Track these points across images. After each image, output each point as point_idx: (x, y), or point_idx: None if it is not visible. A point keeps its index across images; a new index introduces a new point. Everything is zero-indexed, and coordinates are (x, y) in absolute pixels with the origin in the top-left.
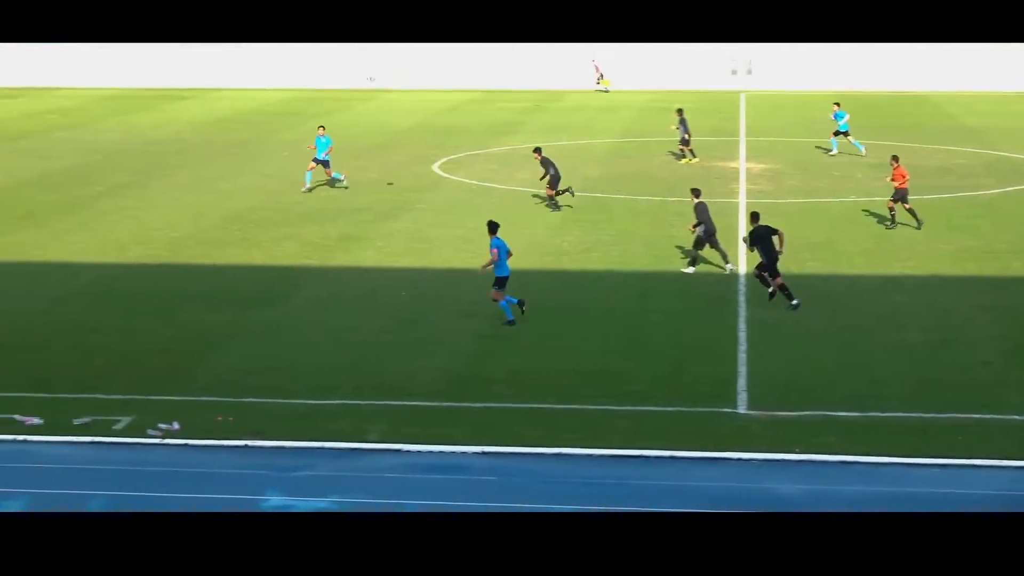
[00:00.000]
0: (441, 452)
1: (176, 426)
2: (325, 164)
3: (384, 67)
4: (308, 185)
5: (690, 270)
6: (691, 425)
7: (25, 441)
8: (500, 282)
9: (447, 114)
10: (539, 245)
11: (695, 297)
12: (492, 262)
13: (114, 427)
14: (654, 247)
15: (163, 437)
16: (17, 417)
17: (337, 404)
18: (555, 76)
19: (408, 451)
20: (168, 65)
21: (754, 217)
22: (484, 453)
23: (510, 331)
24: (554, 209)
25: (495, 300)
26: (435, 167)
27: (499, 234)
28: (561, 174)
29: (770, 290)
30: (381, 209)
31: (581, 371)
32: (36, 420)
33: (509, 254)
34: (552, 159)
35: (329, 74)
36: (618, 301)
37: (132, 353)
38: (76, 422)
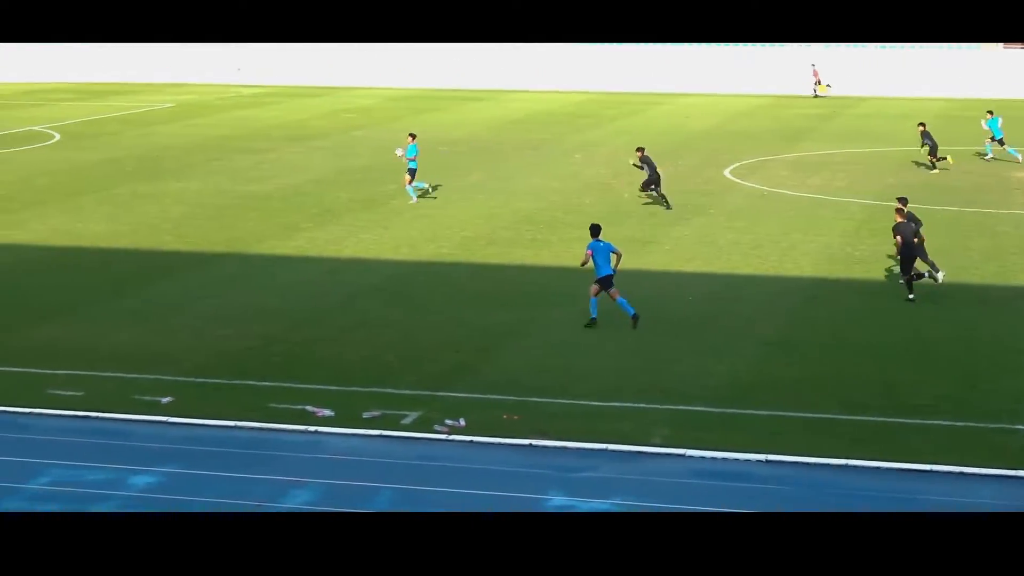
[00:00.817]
0: (724, 459)
1: (462, 423)
2: (412, 173)
3: (680, 71)
4: (415, 199)
5: (940, 275)
6: (982, 441)
7: (316, 432)
8: (600, 281)
9: (740, 118)
10: (832, 253)
11: (991, 308)
12: (584, 263)
13: (402, 421)
14: (951, 257)
15: (450, 433)
16: (310, 408)
17: (621, 406)
18: (851, 80)
19: (691, 456)
20: (463, 68)
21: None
22: (767, 461)
23: (797, 338)
24: (664, 206)
25: (613, 298)
26: (727, 172)
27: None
28: (660, 175)
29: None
30: (671, 213)
31: (867, 382)
32: (327, 412)
33: (617, 256)
34: (653, 160)
35: (623, 77)
36: (908, 311)
37: (421, 349)
38: (366, 415)
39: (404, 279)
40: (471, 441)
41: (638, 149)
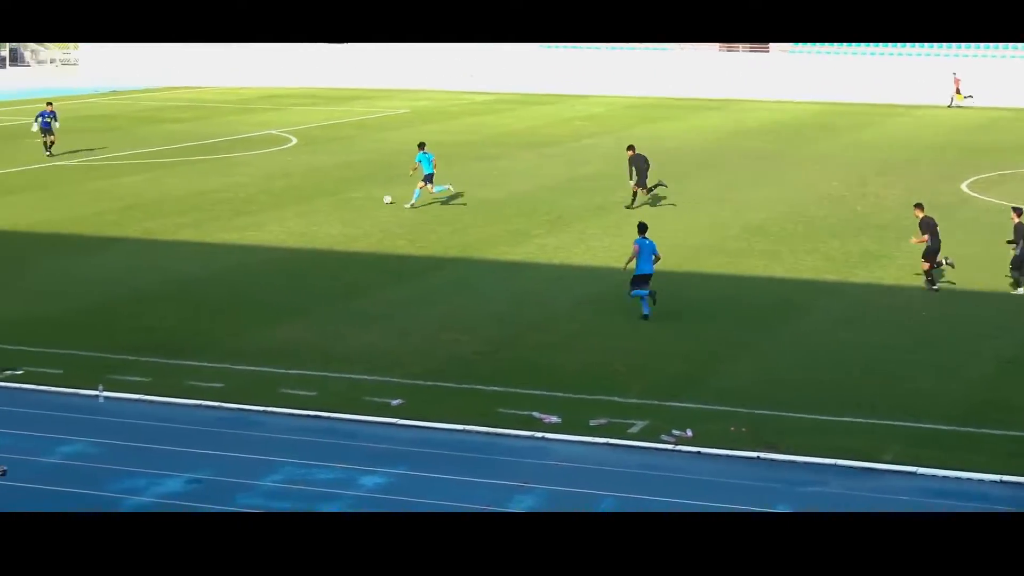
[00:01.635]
0: (957, 478)
1: (689, 433)
2: (429, 179)
3: (920, 80)
4: (413, 202)
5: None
6: None
7: (543, 438)
8: (637, 280)
9: (980, 131)
10: None
11: None
12: (630, 260)
13: (629, 430)
14: None
15: (676, 444)
16: (537, 415)
17: (852, 421)
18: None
19: (922, 475)
20: (697, 76)
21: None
22: (1003, 482)
23: None
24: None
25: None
26: (963, 186)
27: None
28: (645, 175)
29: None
30: (904, 226)
31: None
32: (554, 418)
33: (656, 257)
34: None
35: (860, 87)
36: None
37: (649, 358)
38: (592, 423)
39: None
40: (698, 452)
41: (629, 147)
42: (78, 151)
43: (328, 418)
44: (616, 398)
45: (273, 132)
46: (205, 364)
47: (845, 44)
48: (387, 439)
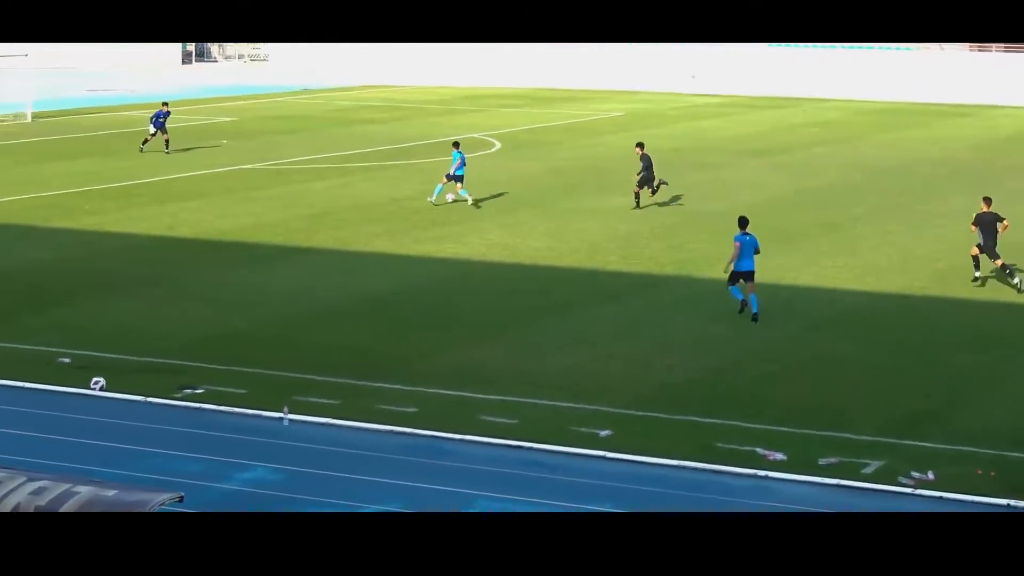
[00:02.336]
0: None
1: (931, 476)
2: (458, 180)
3: None
4: (433, 198)
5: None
6: None
7: (767, 477)
8: (734, 276)
9: None
10: None
11: None
12: (733, 258)
13: (863, 471)
14: None
15: (916, 487)
16: (760, 451)
17: None
18: None
19: None
20: (943, 78)
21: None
22: None
23: None
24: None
25: (747, 293)
26: None
27: None
28: (654, 176)
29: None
30: None
31: None
32: (779, 455)
33: (756, 251)
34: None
35: None
36: None
37: (886, 391)
38: (822, 462)
39: (869, 312)
40: (940, 497)
41: (638, 145)
42: (265, 154)
43: (529, 448)
44: (849, 435)
45: (476, 135)
46: (397, 386)
47: None
48: (594, 473)
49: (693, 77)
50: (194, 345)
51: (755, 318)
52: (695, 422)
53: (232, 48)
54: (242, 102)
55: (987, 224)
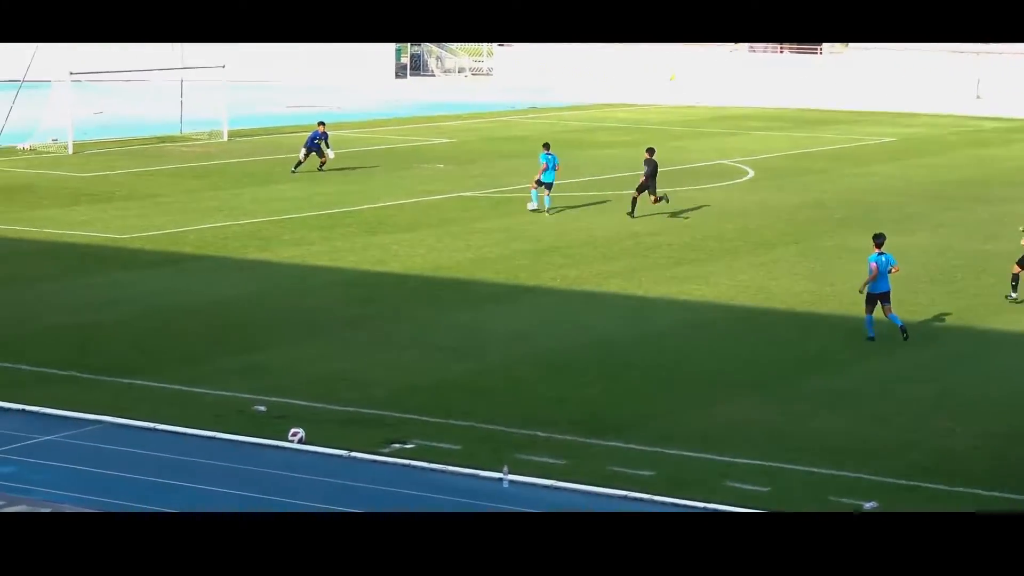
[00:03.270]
0: None
1: None
2: (547, 187)
3: None
4: (534, 205)
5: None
6: None
7: None
8: (872, 298)
9: None
10: None
11: None
12: (870, 279)
13: None
14: None
15: None
16: None
17: None
18: None
19: None
20: None
21: None
22: None
23: None
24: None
25: (885, 314)
26: None
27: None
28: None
29: None
30: None
31: None
32: None
33: (891, 269)
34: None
35: None
36: None
37: None
38: None
39: None
40: None
41: (648, 150)
42: (485, 180)
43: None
44: None
45: (726, 162)
46: (631, 446)
47: None
48: None
49: (978, 97)
50: (404, 394)
51: (905, 332)
52: (978, 495)
53: (451, 61)
54: (461, 122)
55: None
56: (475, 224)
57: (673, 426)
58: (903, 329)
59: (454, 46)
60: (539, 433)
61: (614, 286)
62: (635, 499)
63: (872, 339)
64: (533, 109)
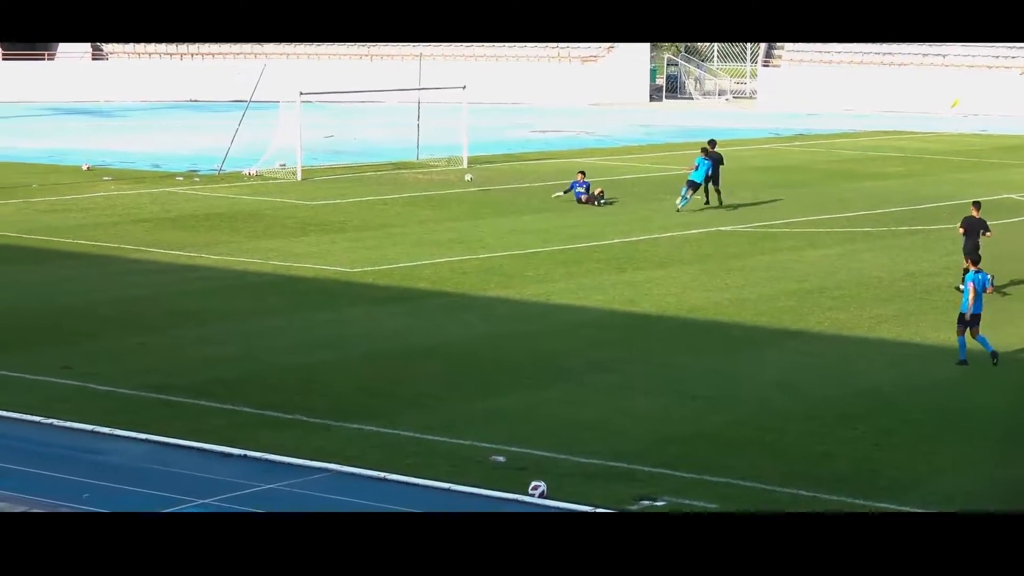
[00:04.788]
0: None
1: None
2: (693, 186)
3: None
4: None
5: None
6: None
7: None
8: (964, 319)
9: None
10: None
11: None
12: (971, 302)
13: None
14: None
15: None
16: None
17: None
18: None
19: None
20: None
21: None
22: None
23: None
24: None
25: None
26: None
27: None
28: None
29: None
30: None
31: None
32: None
33: (987, 290)
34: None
35: None
36: None
37: None
38: None
39: None
40: None
41: (709, 142)
42: (747, 213)
43: None
44: None
45: (1013, 196)
46: (905, 508)
47: None
48: None
49: None
50: (656, 446)
51: (995, 357)
52: None
53: (711, 82)
54: (721, 149)
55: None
56: (735, 262)
57: (951, 487)
58: (994, 354)
59: (715, 66)
60: (802, 492)
61: (887, 332)
62: None
63: (964, 362)
64: (800, 137)
